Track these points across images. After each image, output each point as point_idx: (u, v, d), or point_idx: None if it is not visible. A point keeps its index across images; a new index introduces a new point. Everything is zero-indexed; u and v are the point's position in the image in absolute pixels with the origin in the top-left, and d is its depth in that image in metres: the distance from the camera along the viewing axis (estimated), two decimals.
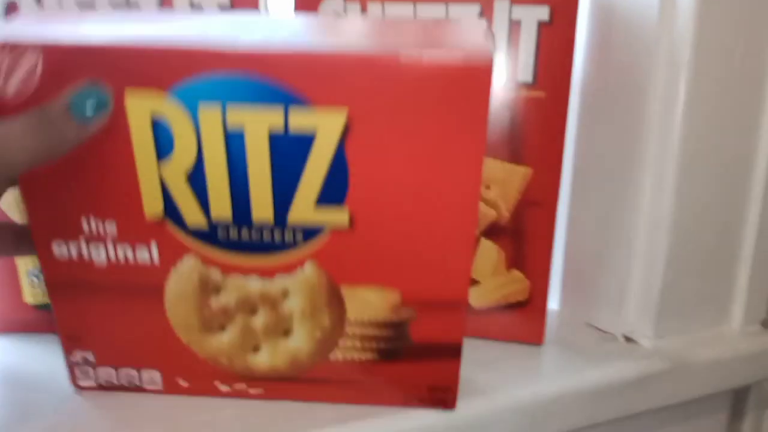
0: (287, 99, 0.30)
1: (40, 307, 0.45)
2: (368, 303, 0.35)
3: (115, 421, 0.37)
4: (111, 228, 0.34)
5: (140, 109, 0.31)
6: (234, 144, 0.31)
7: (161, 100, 0.30)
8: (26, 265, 0.44)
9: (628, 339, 0.46)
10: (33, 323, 0.45)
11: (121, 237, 0.34)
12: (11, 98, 0.30)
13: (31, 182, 0.33)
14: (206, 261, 0.34)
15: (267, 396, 0.39)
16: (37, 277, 0.44)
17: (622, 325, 0.46)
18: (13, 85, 0.30)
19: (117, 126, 0.31)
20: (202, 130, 0.31)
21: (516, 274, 0.43)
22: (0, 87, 0.30)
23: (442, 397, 0.38)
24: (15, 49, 0.30)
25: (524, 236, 0.42)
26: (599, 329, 0.48)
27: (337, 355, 0.37)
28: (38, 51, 0.30)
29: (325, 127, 0.31)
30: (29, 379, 0.42)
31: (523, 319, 0.44)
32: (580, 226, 0.48)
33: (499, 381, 0.41)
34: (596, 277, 0.47)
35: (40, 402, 0.39)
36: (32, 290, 0.45)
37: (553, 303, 0.50)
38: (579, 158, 0.47)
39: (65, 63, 0.30)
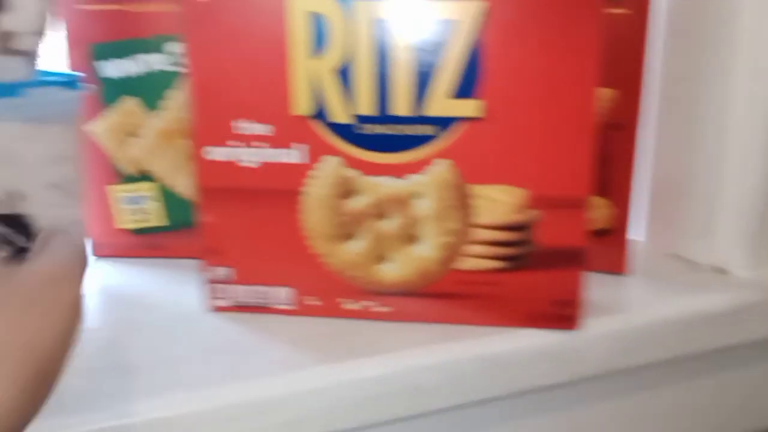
0: None
1: (136, 232, 0.50)
2: (496, 203, 0.37)
3: (250, 336, 0.39)
4: (261, 129, 0.38)
5: (300, 6, 0.35)
6: (381, 35, 0.35)
7: None
8: (117, 192, 0.48)
9: (718, 269, 0.45)
10: (125, 248, 0.50)
11: (270, 139, 0.38)
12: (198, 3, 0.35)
13: (195, 89, 0.37)
14: (346, 160, 0.37)
15: (394, 317, 0.40)
16: (129, 202, 0.48)
17: (711, 254, 0.46)
18: None
19: (270, 28, 0.35)
20: (354, 21, 0.35)
21: (599, 200, 0.44)
22: None
23: (566, 313, 0.38)
24: None
25: (607, 161, 0.44)
26: (687, 259, 0.47)
27: (463, 264, 0.38)
28: None
29: (465, 14, 0.34)
30: (154, 300, 0.44)
31: (607, 247, 0.45)
32: (666, 151, 0.48)
33: (587, 311, 0.40)
34: (683, 205, 0.47)
35: (176, 322, 0.41)
36: (126, 217, 0.49)
37: (639, 234, 0.50)
38: (666, 81, 0.47)
39: None
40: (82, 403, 0.32)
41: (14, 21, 0.38)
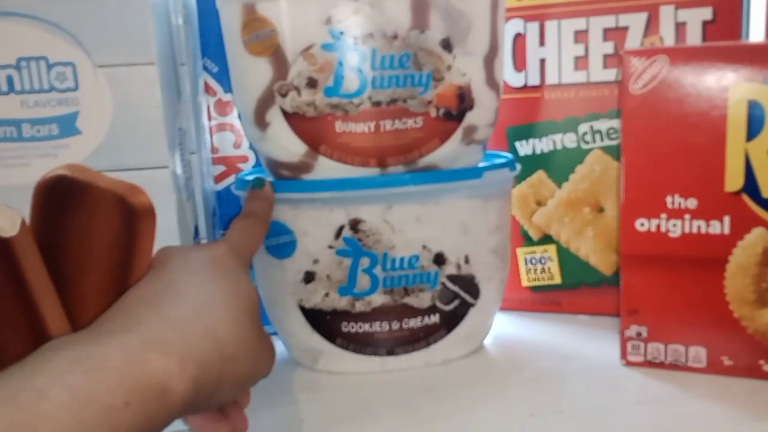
0: None
1: (533, 289, 0.57)
2: None
3: (667, 390, 0.43)
4: (691, 204, 0.42)
5: (740, 96, 0.39)
6: None
7: (758, 87, 0.39)
8: (524, 254, 0.55)
9: None
10: (526, 302, 0.58)
11: (699, 212, 0.42)
12: (636, 96, 0.42)
13: (629, 168, 0.43)
14: None
15: None
16: (532, 263, 0.56)
17: None
18: (638, 87, 0.42)
19: (710, 116, 0.40)
20: None
21: None
22: (630, 88, 0.41)
23: None
24: (645, 54, 0.41)
25: None
26: None
27: None
28: (665, 56, 0.41)
29: None
30: (563, 352, 0.50)
31: None
32: None
33: None
34: None
35: (586, 372, 0.46)
36: (528, 275, 0.56)
37: None
38: None
39: (689, 61, 0.40)
40: None
41: (476, 116, 0.47)
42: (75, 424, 0.23)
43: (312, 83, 0.42)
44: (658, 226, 0.43)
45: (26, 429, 0.23)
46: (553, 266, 0.56)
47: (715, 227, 0.42)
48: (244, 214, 0.41)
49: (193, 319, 0.29)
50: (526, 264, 0.56)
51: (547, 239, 0.56)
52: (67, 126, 0.37)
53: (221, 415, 0.34)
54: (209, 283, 0.32)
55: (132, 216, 0.38)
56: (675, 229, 0.43)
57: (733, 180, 0.41)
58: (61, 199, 0.37)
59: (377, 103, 0.43)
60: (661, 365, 0.45)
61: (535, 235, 0.56)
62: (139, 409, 0.25)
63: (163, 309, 0.29)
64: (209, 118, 0.52)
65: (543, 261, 0.56)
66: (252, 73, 0.43)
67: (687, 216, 0.42)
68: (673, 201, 0.42)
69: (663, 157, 0.42)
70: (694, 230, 0.42)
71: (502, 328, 0.54)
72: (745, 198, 0.41)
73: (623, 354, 0.46)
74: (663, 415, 0.40)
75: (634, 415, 0.40)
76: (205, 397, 0.30)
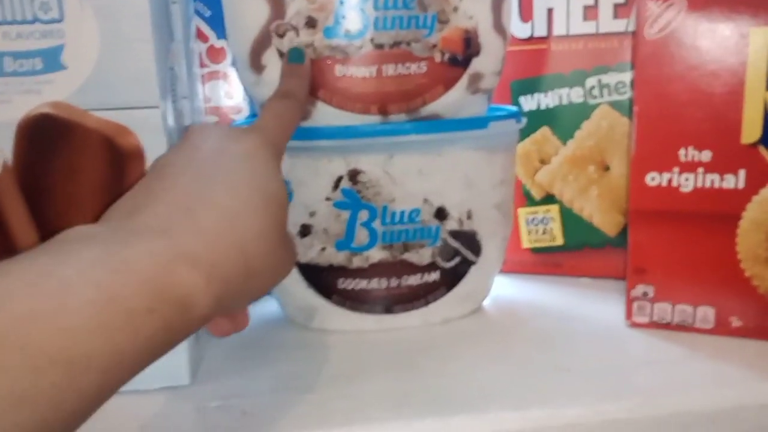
0: None
1: (534, 251, 0.55)
2: None
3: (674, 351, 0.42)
4: (705, 157, 0.41)
5: (761, 42, 0.38)
6: None
7: None
8: (526, 214, 0.53)
9: None
10: (527, 264, 0.56)
11: (713, 165, 0.40)
12: (650, 41, 0.40)
13: (641, 119, 0.41)
14: None
15: None
16: (534, 223, 0.54)
17: None
18: (654, 32, 0.40)
19: (727, 62, 0.38)
20: None
21: None
22: (645, 33, 0.40)
23: None
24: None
25: None
26: None
27: None
28: None
29: None
30: (566, 313, 0.48)
31: None
32: None
33: None
34: None
35: (590, 333, 0.45)
36: (529, 236, 0.54)
37: None
38: None
39: (708, 6, 0.38)
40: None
41: (483, 63, 0.44)
42: (96, 323, 0.22)
43: (311, 23, 0.40)
44: (670, 181, 0.42)
45: (47, 320, 0.22)
46: (556, 227, 0.54)
47: (730, 181, 0.40)
48: (279, 94, 0.38)
49: (224, 231, 0.28)
50: (527, 225, 0.55)
51: (549, 199, 0.54)
52: (52, 60, 0.34)
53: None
54: (243, 187, 0.30)
55: (120, 158, 0.36)
56: (687, 183, 0.41)
57: (751, 131, 0.39)
58: (45, 139, 0.35)
59: (379, 46, 0.41)
60: (667, 326, 0.44)
61: (537, 195, 0.54)
62: (160, 319, 0.24)
63: (195, 214, 0.28)
64: (201, 66, 0.50)
65: (545, 221, 0.54)
66: (248, 11, 0.41)
67: (700, 170, 0.41)
68: (686, 153, 0.41)
69: (677, 107, 0.40)
70: (707, 184, 0.41)
71: (502, 289, 0.53)
72: (762, 150, 0.39)
73: (628, 315, 0.45)
74: (671, 374, 0.38)
75: (641, 375, 0.39)
76: (224, 310, 0.29)
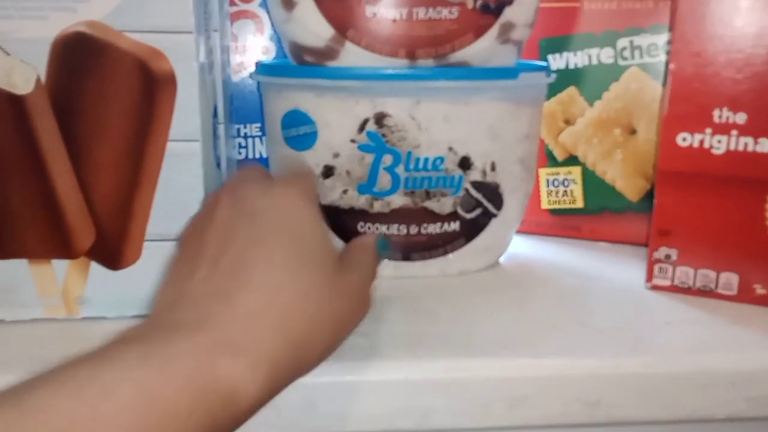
0: None
1: (553, 212, 0.55)
2: None
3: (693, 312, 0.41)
4: (740, 119, 0.40)
5: None
6: None
7: None
8: (547, 175, 0.53)
9: None
10: (545, 226, 0.55)
11: (747, 128, 0.40)
12: None
13: (676, 77, 0.40)
14: None
15: None
16: (555, 185, 0.54)
17: None
18: None
19: (763, 22, 0.37)
20: None
21: None
22: None
23: None
24: None
25: None
26: None
27: None
28: None
29: None
30: (585, 272, 0.48)
31: None
32: None
33: None
34: None
35: (609, 293, 0.44)
36: (548, 197, 0.54)
37: None
38: None
39: None
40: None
41: (515, 13, 0.44)
42: (136, 428, 0.22)
43: None
44: (702, 142, 0.41)
45: (85, 430, 0.21)
46: (576, 189, 0.54)
47: (764, 145, 0.40)
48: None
49: (265, 309, 0.27)
50: (548, 186, 0.54)
51: (572, 160, 0.53)
52: None
53: None
54: (279, 254, 0.28)
55: (152, 82, 0.35)
56: (720, 145, 0.40)
57: None
58: (78, 59, 0.35)
59: None
60: (688, 290, 0.43)
61: (560, 156, 0.54)
62: (205, 416, 0.24)
63: (233, 298, 0.26)
64: (231, 3, 0.49)
65: (566, 183, 0.54)
66: None
67: (734, 132, 0.40)
68: (721, 115, 0.40)
69: (714, 67, 0.39)
70: (740, 147, 0.40)
71: (519, 248, 0.52)
72: None
73: (649, 277, 0.44)
74: (691, 335, 0.38)
75: (661, 334, 0.38)
76: (282, 386, 0.28)
